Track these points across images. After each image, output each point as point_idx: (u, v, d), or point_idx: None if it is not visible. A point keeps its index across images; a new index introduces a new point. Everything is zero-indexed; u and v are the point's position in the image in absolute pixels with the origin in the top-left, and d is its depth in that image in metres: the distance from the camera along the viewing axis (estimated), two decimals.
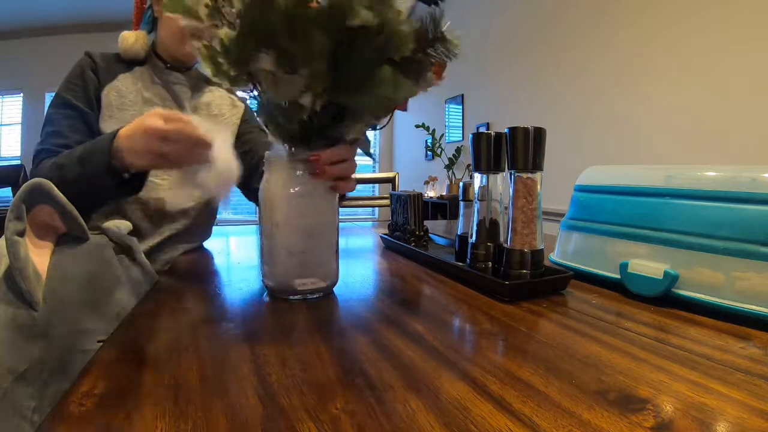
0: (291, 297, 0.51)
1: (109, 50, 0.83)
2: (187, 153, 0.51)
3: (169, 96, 0.84)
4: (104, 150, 0.56)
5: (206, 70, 0.45)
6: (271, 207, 0.50)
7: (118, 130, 0.57)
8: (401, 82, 0.40)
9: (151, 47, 0.84)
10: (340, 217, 0.55)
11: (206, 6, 0.42)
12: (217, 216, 0.97)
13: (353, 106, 0.45)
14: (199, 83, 0.90)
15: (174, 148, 0.51)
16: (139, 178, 0.61)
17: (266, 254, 0.52)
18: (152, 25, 0.84)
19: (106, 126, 0.75)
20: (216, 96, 0.92)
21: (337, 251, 0.53)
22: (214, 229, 0.97)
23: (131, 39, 0.80)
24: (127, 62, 0.81)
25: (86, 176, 0.58)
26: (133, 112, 0.78)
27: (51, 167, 0.63)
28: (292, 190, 0.49)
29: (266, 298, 0.52)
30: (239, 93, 0.99)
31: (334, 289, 0.55)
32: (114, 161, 0.56)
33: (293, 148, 0.50)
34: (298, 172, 0.49)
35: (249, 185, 0.97)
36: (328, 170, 0.49)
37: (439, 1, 0.43)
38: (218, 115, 0.91)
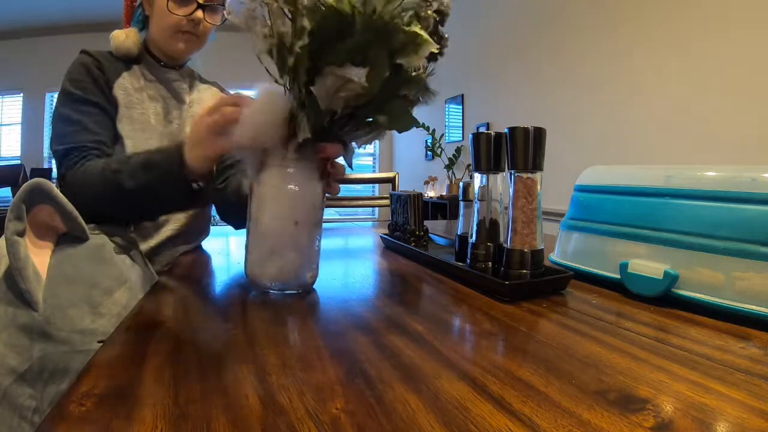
0: (272, 291, 0.52)
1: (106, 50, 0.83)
2: (225, 118, 0.50)
3: (170, 93, 0.84)
4: (174, 157, 0.55)
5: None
6: (261, 203, 0.51)
7: (182, 142, 0.56)
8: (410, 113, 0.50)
9: (144, 46, 0.83)
10: (340, 216, 0.55)
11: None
12: (215, 216, 0.96)
13: (379, 122, 0.50)
14: (193, 81, 0.90)
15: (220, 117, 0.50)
16: (206, 189, 0.61)
17: (252, 249, 0.52)
18: (143, 24, 0.84)
19: (120, 126, 0.75)
20: (212, 93, 0.92)
21: (308, 247, 0.54)
22: (214, 229, 0.97)
23: (122, 37, 0.80)
24: (124, 60, 0.81)
25: (153, 183, 0.57)
26: (140, 111, 0.78)
27: (103, 171, 0.61)
28: (284, 188, 0.50)
29: (252, 294, 0.52)
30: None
31: (337, 288, 0.55)
32: (184, 169, 0.55)
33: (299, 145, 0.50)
34: (289, 170, 0.50)
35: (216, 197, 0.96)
36: (338, 165, 0.53)
37: (438, 57, 0.50)
38: None
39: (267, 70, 0.48)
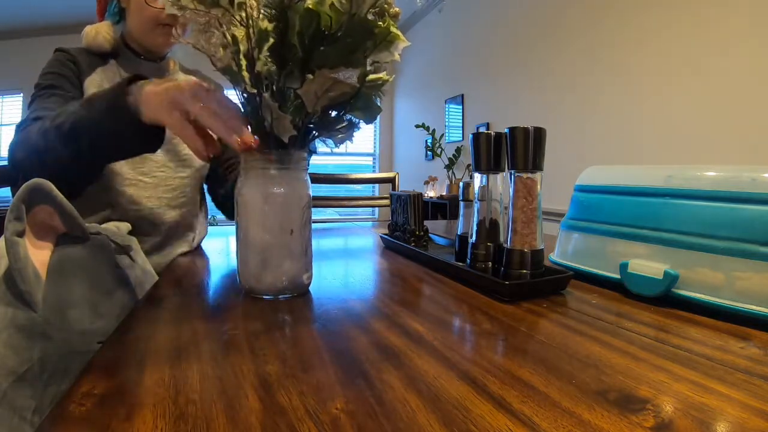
0: (265, 296, 0.51)
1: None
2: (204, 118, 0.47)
3: None
4: (117, 88, 0.51)
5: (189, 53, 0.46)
6: (246, 207, 0.50)
7: (132, 80, 0.51)
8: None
9: (122, 39, 0.81)
10: (340, 216, 0.55)
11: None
12: (215, 216, 0.97)
13: (355, 116, 0.52)
14: (174, 73, 0.89)
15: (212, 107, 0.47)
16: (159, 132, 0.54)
17: (242, 254, 0.52)
18: (119, 16, 0.82)
19: None
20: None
21: (304, 252, 0.53)
22: (214, 229, 0.97)
23: (92, 33, 0.78)
24: (100, 55, 0.79)
25: (93, 118, 0.52)
26: None
27: (42, 121, 0.57)
28: (272, 194, 0.50)
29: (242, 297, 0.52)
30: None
31: (337, 288, 0.55)
32: (127, 97, 0.50)
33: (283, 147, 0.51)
34: (272, 171, 0.50)
35: (216, 191, 0.95)
36: None
37: None
38: None
39: (232, 81, 0.48)
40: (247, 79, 0.46)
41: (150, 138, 0.54)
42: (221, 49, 0.46)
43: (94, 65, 0.78)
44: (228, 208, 0.92)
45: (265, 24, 0.43)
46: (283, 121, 0.47)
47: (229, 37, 0.45)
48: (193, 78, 0.49)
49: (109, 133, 0.53)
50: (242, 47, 0.45)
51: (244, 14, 0.44)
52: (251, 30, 0.44)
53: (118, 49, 0.81)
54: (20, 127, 0.65)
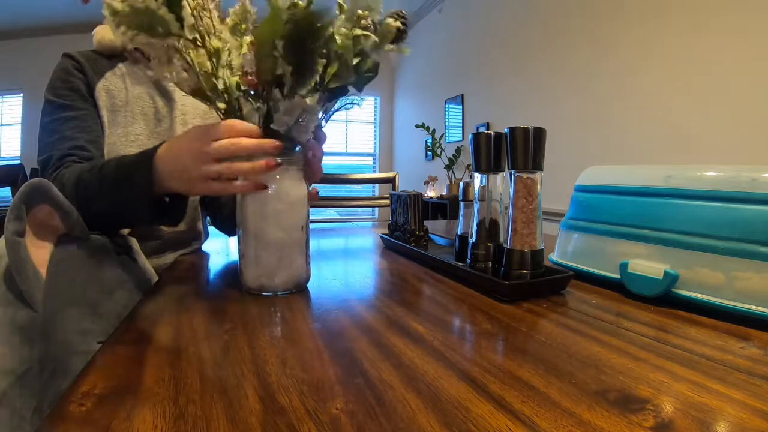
0: (264, 293, 0.52)
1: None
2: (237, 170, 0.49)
3: (157, 91, 0.82)
4: (142, 179, 0.52)
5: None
6: (245, 206, 0.51)
7: (152, 155, 0.52)
8: None
9: None
10: (340, 216, 0.55)
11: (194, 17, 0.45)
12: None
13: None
14: None
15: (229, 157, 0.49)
16: (179, 205, 0.59)
17: (243, 252, 0.52)
18: None
19: (106, 133, 0.74)
20: None
21: (308, 248, 0.54)
22: (214, 229, 0.97)
23: (102, 31, 0.78)
24: (108, 57, 0.79)
25: (120, 205, 0.55)
26: (125, 114, 0.76)
27: (75, 186, 0.58)
28: (278, 188, 0.50)
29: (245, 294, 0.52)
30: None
31: (337, 288, 0.55)
32: (154, 188, 0.52)
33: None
34: (281, 168, 0.50)
35: (213, 209, 0.93)
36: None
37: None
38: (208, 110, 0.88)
39: (240, 96, 0.50)
40: (222, 95, 0.49)
41: (179, 203, 0.60)
42: (185, 73, 0.47)
43: (102, 70, 0.77)
44: (220, 220, 0.89)
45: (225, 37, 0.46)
46: (312, 117, 0.48)
47: (196, 59, 0.46)
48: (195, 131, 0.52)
49: (132, 221, 0.58)
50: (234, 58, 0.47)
51: (197, 35, 0.45)
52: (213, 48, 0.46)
53: (128, 51, 0.80)
54: (47, 167, 0.67)
